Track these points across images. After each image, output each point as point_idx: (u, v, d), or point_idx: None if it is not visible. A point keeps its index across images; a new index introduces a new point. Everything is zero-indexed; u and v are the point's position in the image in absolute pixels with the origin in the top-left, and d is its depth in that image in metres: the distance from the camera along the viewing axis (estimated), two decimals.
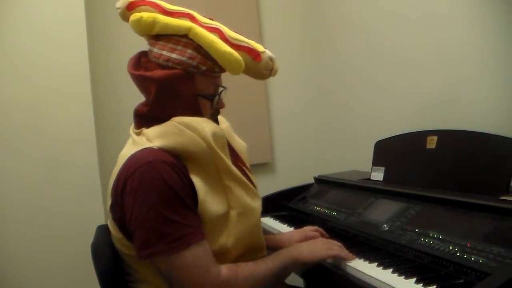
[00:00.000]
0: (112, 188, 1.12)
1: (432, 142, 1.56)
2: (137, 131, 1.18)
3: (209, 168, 1.11)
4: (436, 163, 1.52)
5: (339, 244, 1.28)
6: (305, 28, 2.74)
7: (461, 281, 1.03)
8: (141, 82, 1.17)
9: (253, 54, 1.22)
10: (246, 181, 1.18)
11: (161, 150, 1.07)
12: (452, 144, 1.49)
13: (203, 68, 1.16)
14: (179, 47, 1.15)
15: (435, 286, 1.01)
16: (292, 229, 1.67)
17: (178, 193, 1.03)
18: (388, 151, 1.79)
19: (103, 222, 1.73)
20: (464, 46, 1.65)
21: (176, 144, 1.08)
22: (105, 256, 1.19)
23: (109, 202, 1.14)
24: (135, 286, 1.17)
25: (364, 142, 1.98)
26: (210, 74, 1.19)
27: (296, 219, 1.80)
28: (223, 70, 1.22)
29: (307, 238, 1.40)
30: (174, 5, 1.24)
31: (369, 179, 1.81)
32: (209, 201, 1.08)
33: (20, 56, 2.06)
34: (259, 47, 1.23)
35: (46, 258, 2.05)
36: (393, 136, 1.78)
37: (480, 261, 1.02)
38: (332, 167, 2.19)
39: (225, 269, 1.06)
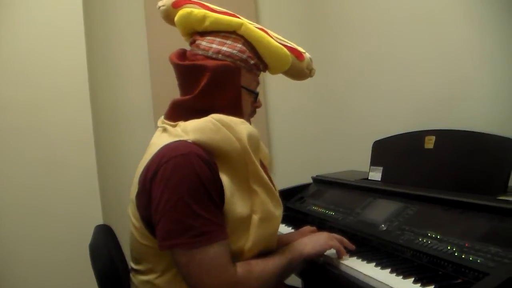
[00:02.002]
0: (141, 175, 1.11)
1: (430, 142, 1.56)
2: (173, 123, 1.17)
3: (239, 169, 1.11)
4: (434, 163, 1.53)
5: (339, 237, 1.29)
6: (303, 28, 2.73)
7: (459, 281, 1.04)
8: (191, 71, 1.17)
9: (297, 53, 1.30)
10: (273, 188, 1.18)
11: (195, 144, 1.07)
12: (450, 144, 1.49)
13: (252, 62, 1.21)
14: (229, 42, 1.19)
15: (433, 286, 1.01)
16: (290, 229, 1.68)
17: (209, 189, 1.03)
18: (386, 151, 1.79)
19: (101, 222, 1.74)
20: (462, 46, 1.65)
21: (211, 141, 1.07)
22: (103, 256, 1.19)
23: (135, 191, 1.13)
24: (143, 278, 1.16)
25: (362, 142, 1.98)
26: (255, 70, 1.24)
27: (294, 219, 1.80)
28: (265, 69, 1.29)
29: None
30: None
31: (367, 179, 1.81)
32: (235, 202, 1.08)
33: (18, 56, 2.06)
34: (300, 48, 1.32)
35: (44, 258, 2.05)
36: (391, 136, 1.78)
37: (478, 261, 1.02)
38: (330, 167, 2.19)
39: (240, 268, 1.06)
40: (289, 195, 2.02)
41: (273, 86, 2.69)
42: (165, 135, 1.15)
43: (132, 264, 1.21)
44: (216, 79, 1.15)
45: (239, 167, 1.11)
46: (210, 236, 1.02)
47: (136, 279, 1.18)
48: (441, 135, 1.53)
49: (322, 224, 1.60)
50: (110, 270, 1.19)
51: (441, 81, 1.76)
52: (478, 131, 1.41)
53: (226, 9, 1.25)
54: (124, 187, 1.30)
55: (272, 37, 1.25)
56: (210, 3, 1.26)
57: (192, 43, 1.24)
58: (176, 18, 1.24)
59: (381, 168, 1.77)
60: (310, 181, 2.08)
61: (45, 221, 2.06)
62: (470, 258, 1.04)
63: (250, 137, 1.12)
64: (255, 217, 1.12)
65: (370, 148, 1.86)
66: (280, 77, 2.67)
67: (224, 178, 1.07)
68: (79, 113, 2.13)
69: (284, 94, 2.71)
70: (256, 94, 1.26)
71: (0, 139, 2.03)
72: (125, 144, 2.39)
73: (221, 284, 1.03)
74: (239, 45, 1.20)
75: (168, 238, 1.02)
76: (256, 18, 2.63)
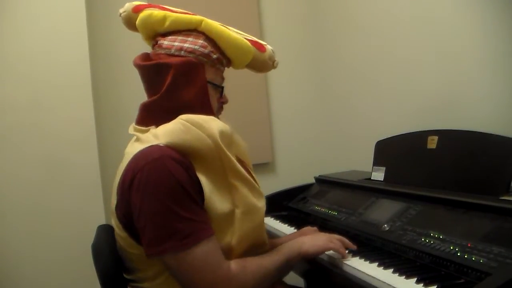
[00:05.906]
0: (118, 185, 1.11)
1: (432, 142, 1.56)
2: (144, 128, 1.17)
3: (215, 166, 1.10)
4: (437, 163, 1.53)
5: (339, 237, 1.29)
6: (305, 28, 2.74)
7: (462, 281, 1.03)
8: (155, 70, 1.18)
9: (258, 45, 1.30)
10: (252, 180, 1.18)
11: (168, 147, 1.06)
12: (453, 144, 1.49)
13: (214, 56, 1.21)
14: (190, 39, 1.20)
15: (435, 286, 1.01)
16: (292, 229, 1.68)
17: (187, 189, 1.03)
18: (388, 151, 1.79)
19: (103, 222, 1.74)
20: (465, 46, 1.65)
21: (183, 142, 1.07)
22: (106, 256, 1.19)
23: (114, 201, 1.13)
24: (137, 285, 1.17)
25: (364, 142, 1.98)
26: (218, 65, 1.24)
27: (296, 219, 1.80)
28: (228, 65, 1.29)
29: None
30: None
31: (369, 179, 1.81)
32: (214, 199, 1.08)
33: (21, 55, 2.06)
34: (262, 41, 1.33)
35: (47, 257, 2.05)
36: (393, 136, 1.78)
37: (481, 261, 1.02)
38: (333, 167, 2.19)
39: (234, 264, 1.06)
40: (292, 195, 2.02)
41: (276, 86, 2.69)
42: (137, 144, 1.14)
43: (125, 275, 1.21)
44: (181, 76, 1.15)
45: (215, 164, 1.10)
46: (197, 235, 1.01)
47: None
48: (444, 135, 1.53)
49: (324, 224, 1.60)
50: (112, 270, 1.18)
51: (444, 81, 1.75)
52: (481, 131, 1.41)
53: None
54: None
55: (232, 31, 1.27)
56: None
57: (154, 45, 1.25)
58: (137, 22, 1.25)
59: (383, 168, 1.77)
60: (313, 181, 2.08)
61: (47, 221, 2.06)
62: (473, 258, 1.04)
63: (222, 133, 1.11)
64: (238, 211, 1.12)
65: (373, 148, 1.86)
66: (283, 77, 2.67)
67: (202, 177, 1.07)
68: (82, 112, 2.13)
69: (286, 94, 2.71)
70: (222, 89, 1.27)
71: (3, 138, 2.03)
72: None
73: (216, 280, 1.02)
74: (201, 41, 1.20)
75: (155, 245, 1.02)
76: (259, 18, 2.63)
